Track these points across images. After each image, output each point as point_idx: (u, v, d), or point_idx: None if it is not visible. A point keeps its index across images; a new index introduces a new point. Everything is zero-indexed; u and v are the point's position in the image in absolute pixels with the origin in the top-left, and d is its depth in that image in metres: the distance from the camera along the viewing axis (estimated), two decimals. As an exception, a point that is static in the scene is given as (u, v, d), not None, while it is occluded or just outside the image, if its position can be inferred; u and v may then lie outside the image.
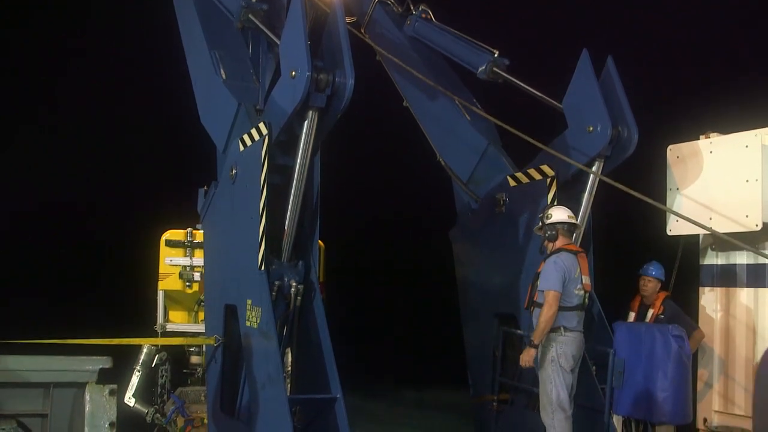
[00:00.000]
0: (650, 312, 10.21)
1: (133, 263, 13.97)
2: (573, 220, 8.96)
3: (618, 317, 10.39)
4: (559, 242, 8.85)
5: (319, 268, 11.25)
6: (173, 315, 11.95)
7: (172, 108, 13.54)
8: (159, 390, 11.66)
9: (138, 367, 11.44)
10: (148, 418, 11.37)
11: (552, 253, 8.82)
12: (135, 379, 11.44)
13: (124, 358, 11.19)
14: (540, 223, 9.01)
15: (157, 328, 11.80)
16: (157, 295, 11.90)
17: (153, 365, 11.52)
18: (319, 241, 11.65)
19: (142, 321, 12.40)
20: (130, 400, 11.34)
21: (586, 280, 8.84)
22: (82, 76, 16.74)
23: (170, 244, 11.71)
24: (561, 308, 8.58)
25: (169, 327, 11.77)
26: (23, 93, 16.51)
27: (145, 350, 11.49)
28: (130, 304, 13.90)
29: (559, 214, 8.91)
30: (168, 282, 11.67)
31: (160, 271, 11.81)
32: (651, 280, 10.18)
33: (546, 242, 8.96)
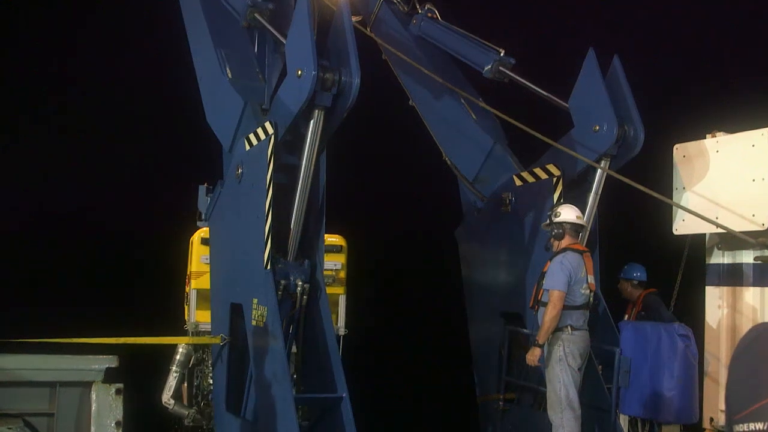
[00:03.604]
0: (633, 310, 10.41)
1: (148, 263, 13.98)
2: (581, 221, 8.99)
3: (623, 317, 10.46)
4: (565, 241, 8.89)
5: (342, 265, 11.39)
6: (207, 314, 10.99)
7: (174, 107, 13.54)
8: (194, 391, 11.32)
9: (174, 368, 11.18)
10: (188, 421, 11.14)
11: (558, 252, 8.85)
12: (173, 381, 11.17)
13: (151, 359, 11.12)
14: (548, 220, 9.03)
15: (189, 327, 11.34)
16: (185, 294, 11.58)
17: (190, 365, 11.25)
18: (341, 237, 11.67)
19: (165, 320, 12.35)
20: (169, 402, 11.13)
21: (591, 279, 8.88)
22: (88, 77, 16.74)
23: (207, 242, 10.86)
24: (567, 307, 8.62)
25: (203, 326, 11.07)
26: (33, 94, 16.52)
27: (180, 350, 11.20)
28: (152, 303, 13.87)
29: (568, 213, 8.93)
30: (202, 281, 11.01)
31: (193, 269, 11.33)
32: (621, 281, 10.61)
33: (552, 240, 8.98)
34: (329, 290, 10.96)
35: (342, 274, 11.81)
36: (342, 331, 11.61)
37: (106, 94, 16.79)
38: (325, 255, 11.01)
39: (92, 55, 16.79)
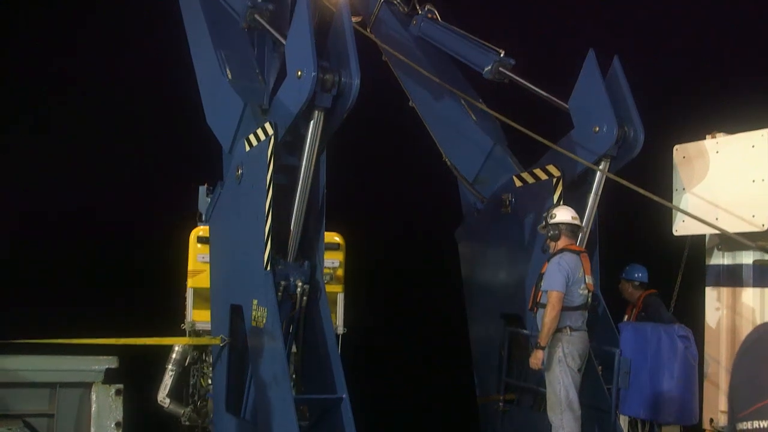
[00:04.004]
0: (633, 311, 10.42)
1: (148, 262, 13.96)
2: (576, 222, 8.99)
3: (622, 317, 10.47)
4: (562, 242, 8.89)
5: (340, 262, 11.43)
6: (204, 314, 10.92)
7: (174, 107, 13.55)
8: (190, 390, 11.35)
9: (171, 366, 11.17)
10: (184, 419, 11.15)
11: (555, 253, 8.86)
12: (169, 379, 11.16)
13: (151, 360, 11.10)
14: (544, 223, 9.04)
15: (186, 326, 11.24)
16: (185, 293, 11.50)
17: (186, 364, 11.26)
18: (339, 235, 11.67)
19: (164, 320, 12.31)
20: (164, 400, 11.10)
21: (589, 280, 8.89)
22: (88, 77, 16.75)
23: (203, 240, 10.96)
24: (565, 308, 8.62)
25: (199, 326, 11.03)
26: (33, 94, 16.54)
27: (177, 349, 11.18)
28: (152, 303, 13.87)
29: (563, 214, 8.94)
30: (199, 279, 11.05)
31: (190, 268, 11.29)
32: (623, 282, 10.64)
33: (549, 241, 9.00)
34: (327, 288, 10.99)
35: (340, 272, 11.80)
36: (341, 330, 11.60)
37: (106, 94, 16.79)
38: None
39: (92, 55, 16.79)
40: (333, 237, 11.72)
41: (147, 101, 16.36)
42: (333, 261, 11.62)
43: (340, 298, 11.80)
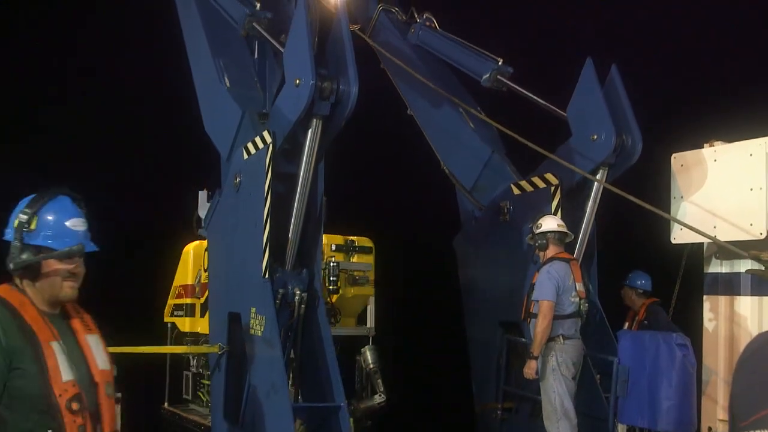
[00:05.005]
0: (635, 319, 10.41)
1: (148, 264, 13.98)
2: (563, 229, 9.01)
3: (621, 325, 10.47)
4: (551, 251, 8.94)
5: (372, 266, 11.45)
6: None
7: (175, 107, 13.55)
8: None
9: None
10: None
11: (545, 262, 8.90)
12: None
13: (150, 367, 11.06)
14: (531, 233, 9.08)
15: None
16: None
17: None
18: (369, 239, 11.69)
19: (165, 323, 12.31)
20: None
21: (580, 287, 8.93)
22: (89, 77, 16.76)
23: None
24: (557, 317, 8.67)
25: None
26: (33, 94, 16.54)
27: None
28: (153, 305, 13.88)
29: (548, 223, 9.00)
30: None
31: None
32: (625, 288, 10.70)
33: (537, 251, 9.04)
34: (360, 291, 11.06)
35: (371, 276, 11.81)
36: (372, 333, 11.61)
37: (106, 95, 16.79)
38: (356, 256, 11.11)
39: (92, 55, 16.78)
40: (364, 241, 11.78)
41: (147, 102, 16.35)
42: (366, 265, 11.65)
43: (371, 301, 11.75)
